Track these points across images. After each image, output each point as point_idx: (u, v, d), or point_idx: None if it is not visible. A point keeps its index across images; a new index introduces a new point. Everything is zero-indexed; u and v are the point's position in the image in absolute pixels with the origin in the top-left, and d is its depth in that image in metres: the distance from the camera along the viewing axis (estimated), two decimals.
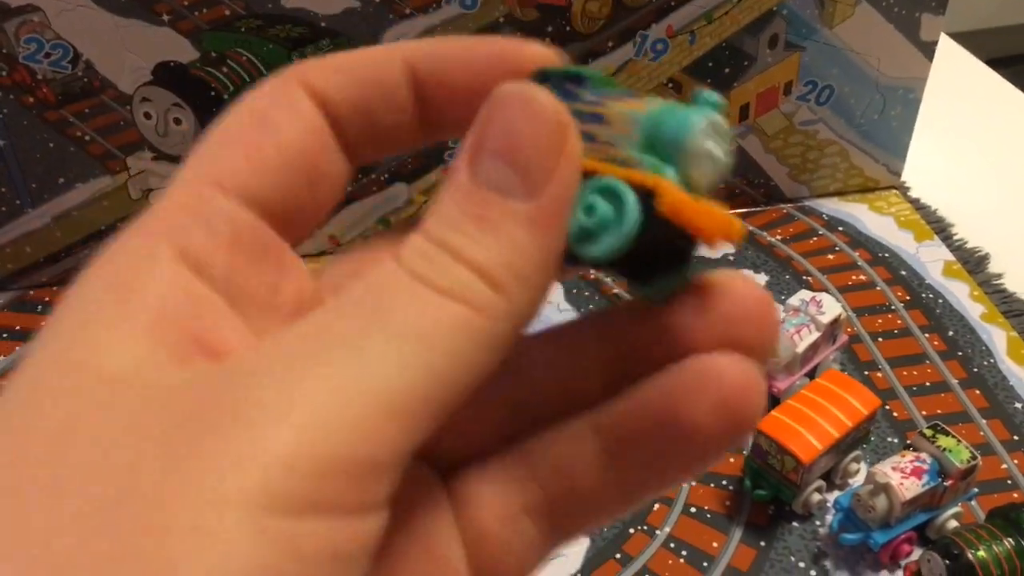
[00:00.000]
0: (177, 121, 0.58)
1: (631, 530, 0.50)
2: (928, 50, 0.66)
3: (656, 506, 0.51)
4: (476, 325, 0.17)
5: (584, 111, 0.20)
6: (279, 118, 0.20)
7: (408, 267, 0.17)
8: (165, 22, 0.55)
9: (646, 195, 0.18)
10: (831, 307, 0.55)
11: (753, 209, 0.71)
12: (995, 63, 0.90)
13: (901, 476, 0.48)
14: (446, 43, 0.21)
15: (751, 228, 0.70)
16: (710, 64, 0.64)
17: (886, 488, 0.48)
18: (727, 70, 0.64)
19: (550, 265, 0.18)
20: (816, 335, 0.55)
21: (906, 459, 0.48)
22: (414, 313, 0.16)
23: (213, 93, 0.58)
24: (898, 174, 0.72)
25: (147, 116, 0.58)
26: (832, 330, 0.56)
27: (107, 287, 0.17)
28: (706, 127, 0.19)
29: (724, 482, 0.52)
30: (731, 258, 0.67)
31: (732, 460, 0.53)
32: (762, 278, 0.66)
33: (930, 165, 0.74)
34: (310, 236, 0.21)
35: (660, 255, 0.19)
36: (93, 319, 0.17)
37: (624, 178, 0.19)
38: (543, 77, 0.20)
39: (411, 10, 0.58)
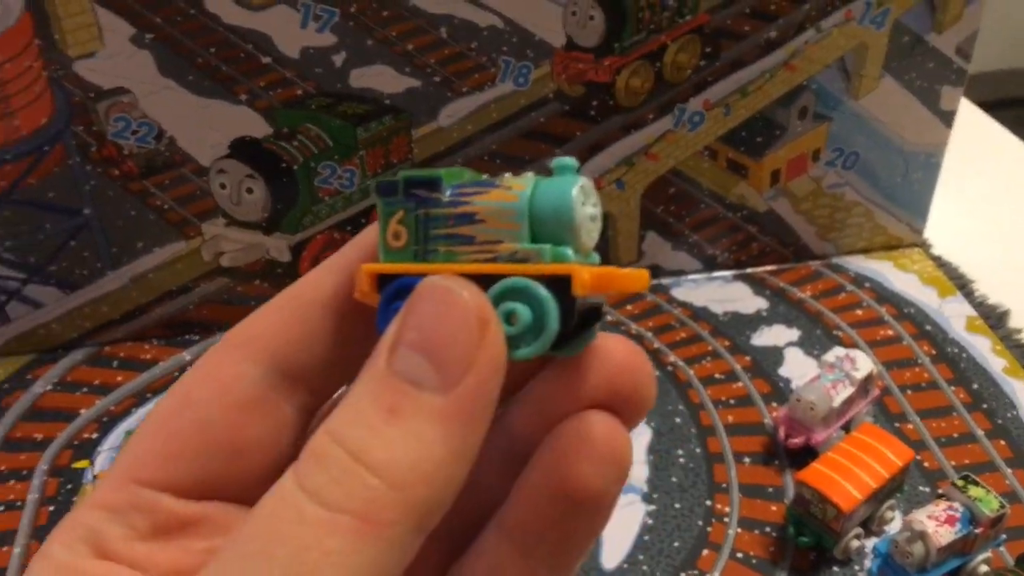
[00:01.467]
0: (249, 191, 0.63)
1: (682, 574, 0.53)
2: (947, 118, 0.70)
3: (705, 551, 0.55)
4: (370, 538, 0.16)
5: (450, 214, 0.20)
6: (202, 396, 0.21)
7: (301, 481, 0.17)
8: (243, 101, 0.60)
9: (558, 282, 0.19)
10: (864, 363, 0.59)
11: (783, 266, 0.75)
12: (1005, 104, 0.94)
13: (936, 524, 0.51)
14: (364, 239, 0.21)
15: (782, 284, 0.74)
16: (743, 133, 0.68)
17: (922, 535, 0.51)
18: (759, 139, 0.69)
19: (464, 460, 0.17)
20: (851, 390, 0.58)
21: (940, 508, 0.52)
22: (299, 546, 0.16)
23: (284, 164, 0.62)
24: (920, 232, 0.76)
25: (222, 186, 0.63)
26: (865, 385, 0.59)
27: None
28: (579, 194, 0.19)
29: (768, 529, 0.56)
30: (764, 314, 0.71)
31: (775, 508, 0.56)
32: (794, 333, 0.69)
33: (951, 224, 0.78)
34: (279, 474, 0.21)
35: (577, 323, 0.20)
36: None
37: (534, 274, 0.19)
38: (392, 189, 0.20)
39: (467, 88, 0.62)
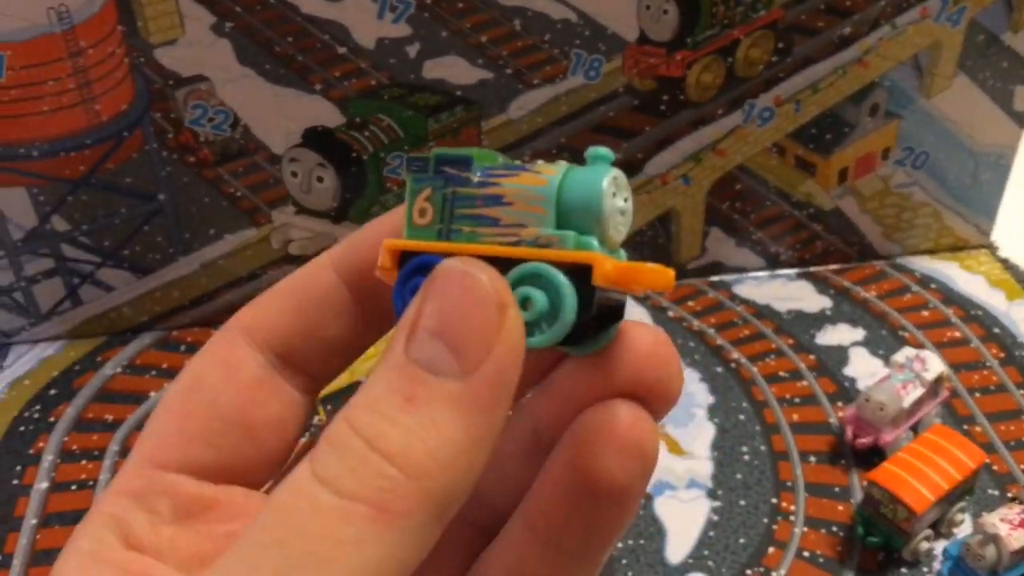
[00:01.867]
0: (320, 179, 0.63)
1: (748, 571, 0.53)
2: (1021, 119, 0.69)
3: (771, 549, 0.54)
4: (385, 527, 0.16)
5: (478, 194, 0.19)
6: (212, 379, 0.21)
7: (317, 469, 0.16)
8: (317, 91, 0.60)
9: (579, 271, 0.18)
10: (934, 364, 0.58)
11: (847, 265, 0.75)
12: None
13: (1009, 527, 0.50)
14: (363, 234, 0.22)
15: (846, 284, 0.73)
16: (813, 130, 0.68)
17: (995, 539, 0.50)
18: (829, 136, 0.68)
19: (482, 447, 0.17)
20: (921, 391, 0.58)
21: (1013, 511, 0.51)
22: (314, 535, 0.16)
23: (354, 154, 0.63)
24: (988, 234, 0.75)
25: (294, 175, 0.63)
26: (935, 386, 0.59)
27: None
28: (610, 186, 0.19)
29: (834, 528, 0.55)
30: (828, 313, 0.70)
31: (841, 508, 0.56)
32: (859, 332, 0.69)
33: (1019, 226, 0.77)
34: (289, 456, 0.22)
35: (596, 318, 0.19)
36: None
37: (554, 260, 0.18)
38: (423, 166, 0.20)
39: (538, 81, 0.62)
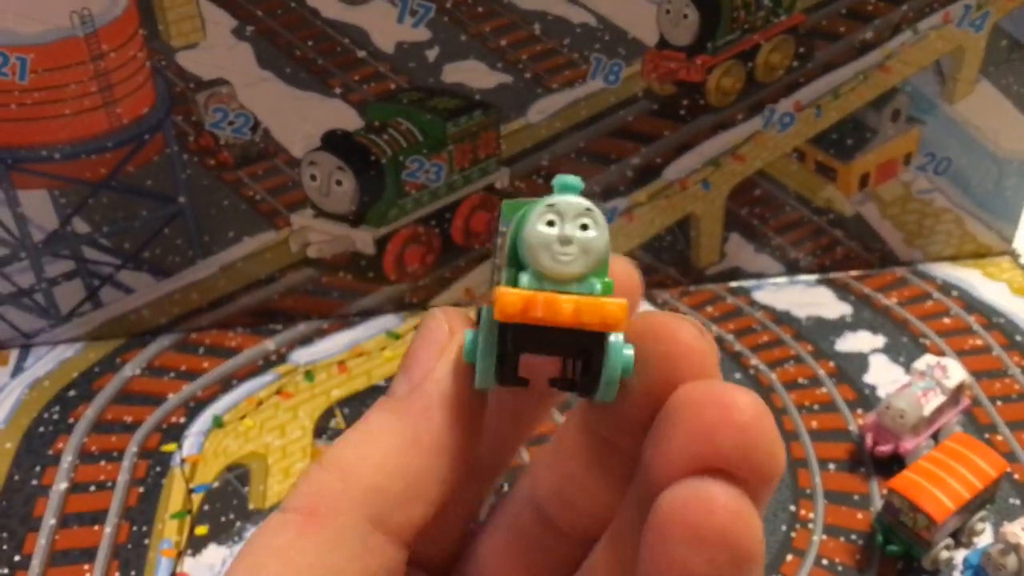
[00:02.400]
0: (339, 183, 0.64)
1: None
2: None
3: (789, 557, 0.54)
4: (313, 530, 0.17)
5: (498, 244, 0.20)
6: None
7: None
8: (337, 95, 0.61)
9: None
10: (956, 372, 0.58)
11: (868, 272, 0.74)
12: None
13: None
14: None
15: (867, 290, 0.73)
16: (834, 136, 0.67)
17: (1016, 548, 0.50)
18: (850, 141, 0.68)
19: (417, 451, 0.18)
20: (942, 399, 0.57)
21: None
22: (255, 549, 0.17)
23: (373, 158, 0.63)
24: (1010, 241, 0.75)
25: (312, 178, 0.63)
26: (956, 394, 0.58)
27: None
28: (542, 213, 0.18)
29: (853, 536, 0.55)
30: (848, 320, 0.70)
31: (860, 516, 0.56)
32: (879, 339, 0.68)
33: None
34: None
35: (584, 358, 0.18)
36: None
37: (487, 304, 0.19)
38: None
39: (557, 85, 0.62)
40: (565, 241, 0.17)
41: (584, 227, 0.18)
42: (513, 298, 0.17)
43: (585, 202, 0.18)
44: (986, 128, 0.68)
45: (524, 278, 0.18)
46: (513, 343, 0.18)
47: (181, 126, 0.61)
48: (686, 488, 0.16)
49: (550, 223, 0.18)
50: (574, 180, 0.18)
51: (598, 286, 0.18)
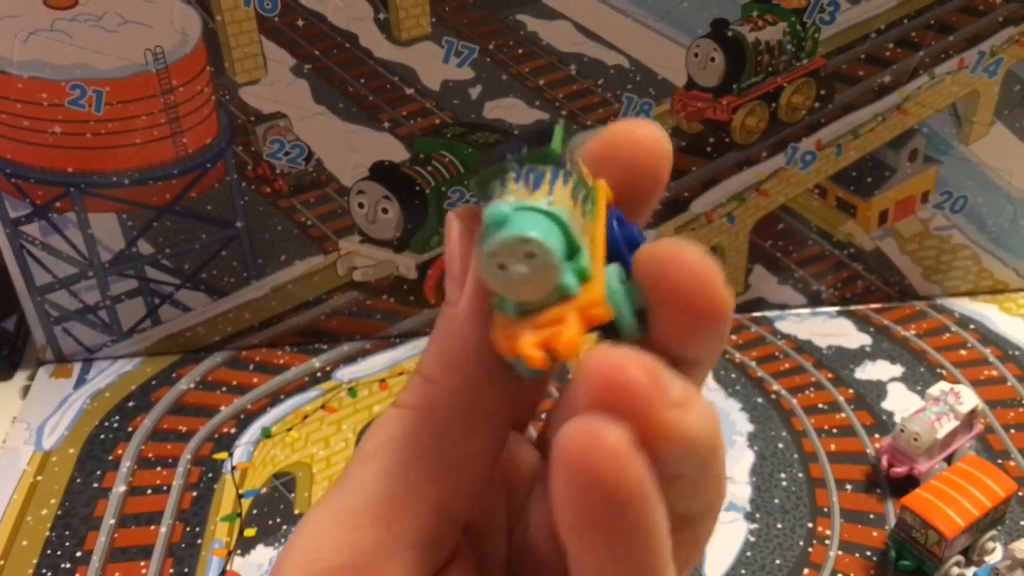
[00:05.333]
0: (385, 211, 0.68)
1: None
2: None
3: (806, 571, 0.57)
4: (408, 421, 0.20)
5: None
6: None
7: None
8: (385, 128, 0.65)
9: None
10: (969, 398, 0.61)
11: (888, 305, 0.77)
12: None
13: None
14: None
15: (886, 322, 0.75)
16: (854, 174, 0.71)
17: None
18: (869, 179, 0.71)
19: (476, 352, 0.19)
20: (955, 423, 0.60)
21: None
22: (370, 437, 0.20)
23: (417, 188, 0.67)
24: None
25: (360, 206, 0.68)
26: (969, 420, 0.61)
27: None
28: (490, 263, 0.18)
29: (868, 553, 0.57)
30: (868, 349, 0.73)
31: (875, 534, 0.58)
32: (898, 369, 0.71)
33: None
34: None
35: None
36: None
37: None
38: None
39: (591, 122, 0.66)
40: (520, 281, 0.18)
41: (531, 254, 0.17)
42: (500, 342, 0.19)
43: (517, 234, 0.17)
44: (1001, 168, 0.71)
45: (508, 304, 0.19)
46: None
47: (241, 156, 0.65)
48: (571, 425, 0.16)
49: (501, 266, 0.18)
50: (508, 208, 0.18)
51: (572, 282, 0.18)
